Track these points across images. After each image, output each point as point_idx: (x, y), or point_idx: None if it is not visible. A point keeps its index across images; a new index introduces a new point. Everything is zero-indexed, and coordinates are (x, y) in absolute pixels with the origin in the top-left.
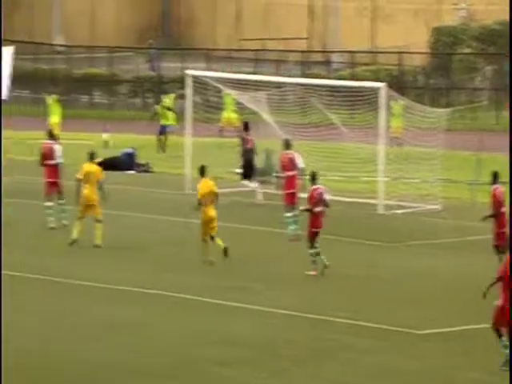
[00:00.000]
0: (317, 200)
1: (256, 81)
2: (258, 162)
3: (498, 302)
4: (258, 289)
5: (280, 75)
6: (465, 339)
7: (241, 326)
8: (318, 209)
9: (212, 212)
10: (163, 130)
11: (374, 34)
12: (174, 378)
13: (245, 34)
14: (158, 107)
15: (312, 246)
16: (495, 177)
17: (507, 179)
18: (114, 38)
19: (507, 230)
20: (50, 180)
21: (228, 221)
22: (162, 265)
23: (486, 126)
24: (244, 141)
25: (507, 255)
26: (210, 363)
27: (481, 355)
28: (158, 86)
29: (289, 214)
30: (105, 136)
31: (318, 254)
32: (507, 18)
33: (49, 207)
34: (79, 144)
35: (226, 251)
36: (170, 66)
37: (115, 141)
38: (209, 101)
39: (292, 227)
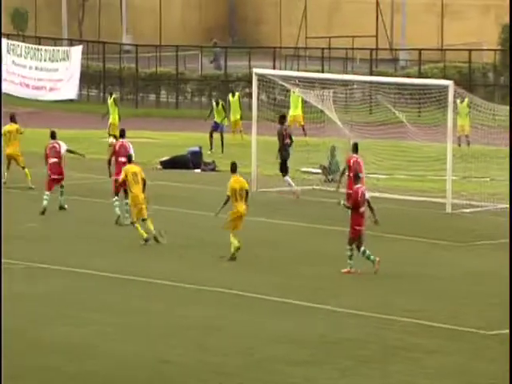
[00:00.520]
0: (361, 199)
1: (322, 79)
2: (323, 160)
3: None
4: (324, 288)
5: (347, 73)
6: None
7: (308, 326)
8: (362, 209)
9: (242, 208)
10: (216, 128)
11: (443, 31)
12: (243, 377)
13: (311, 31)
14: (214, 104)
15: (352, 246)
16: None
17: None
18: (180, 37)
19: None
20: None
21: (291, 219)
22: (233, 264)
23: None
24: (283, 136)
25: None
26: (279, 363)
27: None
28: (225, 84)
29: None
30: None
31: (368, 256)
32: None
33: (117, 204)
34: (145, 142)
35: (236, 251)
36: (236, 65)
37: (181, 139)
38: (275, 99)
39: None
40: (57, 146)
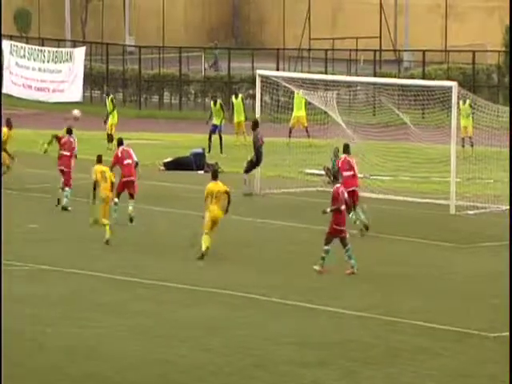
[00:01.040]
0: (341, 198)
1: (326, 80)
2: (327, 161)
3: None
4: (327, 289)
5: (350, 74)
6: None
7: (312, 327)
8: (342, 207)
9: (215, 210)
10: (214, 130)
11: (447, 33)
12: (251, 378)
13: (315, 33)
14: (212, 104)
15: (329, 244)
16: None
17: None
18: (183, 38)
19: None
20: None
21: (299, 221)
22: (238, 265)
23: None
24: (258, 140)
25: None
26: (284, 364)
27: None
28: (228, 86)
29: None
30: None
31: (348, 250)
32: None
33: (115, 203)
34: (149, 144)
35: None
36: (239, 66)
37: (184, 140)
38: (278, 101)
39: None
40: (72, 141)
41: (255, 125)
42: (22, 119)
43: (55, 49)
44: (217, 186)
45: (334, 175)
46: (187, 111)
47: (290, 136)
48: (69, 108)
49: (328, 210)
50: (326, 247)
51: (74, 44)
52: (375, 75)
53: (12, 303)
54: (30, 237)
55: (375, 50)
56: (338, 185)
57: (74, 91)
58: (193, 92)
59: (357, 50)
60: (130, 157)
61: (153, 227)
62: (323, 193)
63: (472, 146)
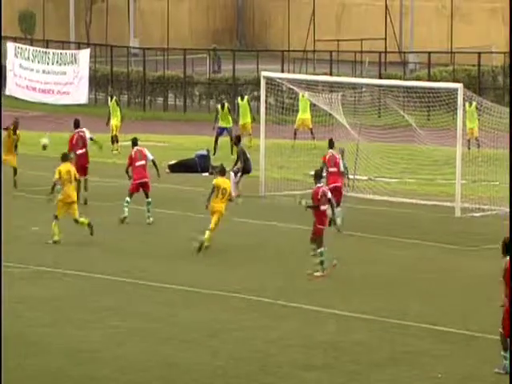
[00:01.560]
0: (322, 198)
1: (331, 82)
2: None
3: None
4: (337, 292)
5: (355, 76)
6: None
7: (317, 330)
8: (324, 207)
9: (219, 206)
10: (221, 132)
11: (452, 34)
12: (255, 381)
13: (320, 34)
14: (219, 107)
15: (318, 245)
16: None
17: None
18: (188, 40)
19: None
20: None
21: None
22: (242, 268)
23: None
24: (243, 154)
25: (505, 262)
26: (289, 367)
27: None
28: (233, 88)
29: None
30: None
31: (322, 253)
32: None
33: (127, 201)
34: (153, 146)
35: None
36: (244, 68)
37: (189, 142)
38: (283, 102)
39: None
40: (82, 134)
41: (238, 140)
42: (26, 121)
43: (59, 51)
44: (224, 183)
45: (317, 174)
46: (192, 113)
47: (294, 138)
48: (74, 110)
49: (303, 202)
50: (320, 249)
51: (79, 46)
52: (380, 77)
53: (14, 305)
54: (33, 239)
55: (380, 52)
56: (320, 184)
57: (79, 93)
58: (197, 94)
59: (362, 51)
60: (143, 157)
61: (156, 229)
62: None
63: (478, 147)
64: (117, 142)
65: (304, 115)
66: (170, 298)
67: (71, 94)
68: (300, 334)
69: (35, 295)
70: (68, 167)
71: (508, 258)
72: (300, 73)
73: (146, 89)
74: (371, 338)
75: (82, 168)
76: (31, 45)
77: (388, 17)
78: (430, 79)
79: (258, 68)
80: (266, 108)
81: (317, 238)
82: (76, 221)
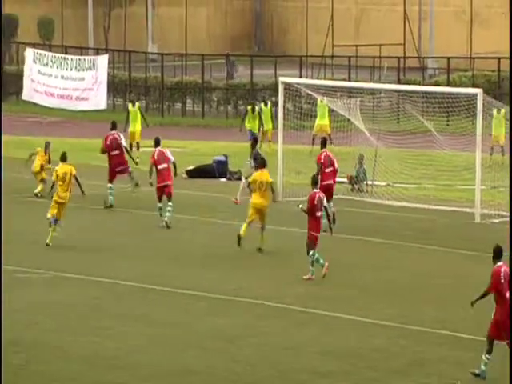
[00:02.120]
0: (318, 204)
1: (349, 87)
2: (350, 169)
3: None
4: (355, 298)
5: (374, 81)
6: None
7: (335, 336)
8: (318, 213)
9: (257, 200)
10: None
11: (472, 39)
12: None
13: (338, 40)
14: (249, 110)
15: (313, 250)
16: None
17: None
18: (206, 46)
19: None
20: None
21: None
22: (261, 274)
23: None
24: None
25: (495, 267)
26: (307, 373)
27: None
28: (251, 93)
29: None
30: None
31: (317, 259)
32: None
33: (159, 208)
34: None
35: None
36: (262, 74)
37: (207, 148)
38: (301, 108)
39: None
40: (118, 137)
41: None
42: (44, 127)
43: (78, 57)
44: (262, 176)
45: (314, 179)
46: (209, 119)
47: (313, 143)
48: (93, 116)
49: (300, 206)
50: (315, 255)
51: (97, 52)
52: (399, 82)
53: (31, 310)
54: (53, 244)
55: (399, 57)
56: (316, 190)
57: (98, 99)
58: (215, 99)
59: (380, 57)
60: (165, 160)
61: (176, 235)
62: (346, 201)
63: (503, 155)
64: (137, 148)
65: (322, 121)
66: (188, 304)
67: (90, 100)
68: (318, 340)
69: (52, 301)
70: (65, 168)
71: (499, 263)
72: (318, 78)
73: (164, 94)
74: (389, 344)
75: (121, 167)
76: (50, 51)
77: (407, 22)
78: (449, 84)
79: (275, 73)
80: (284, 114)
81: (312, 245)
82: (56, 221)
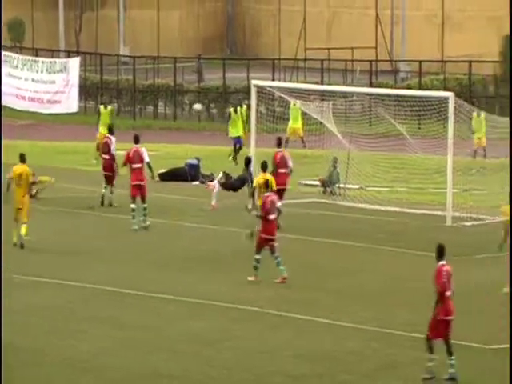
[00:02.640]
0: (270, 207)
1: (322, 90)
2: (323, 172)
3: (435, 314)
4: (328, 301)
5: (346, 85)
6: None
7: (309, 339)
8: (271, 216)
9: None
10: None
11: (443, 43)
12: None
13: (310, 43)
14: (232, 112)
15: (258, 252)
16: None
17: None
18: (178, 49)
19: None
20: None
21: (293, 232)
22: (235, 278)
23: None
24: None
25: (437, 266)
26: (280, 376)
27: None
28: (223, 96)
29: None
30: None
31: (277, 258)
32: None
33: (132, 209)
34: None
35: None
36: (234, 77)
37: (179, 151)
38: (274, 111)
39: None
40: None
41: (248, 162)
42: (15, 130)
43: (49, 59)
44: (263, 179)
45: (266, 184)
46: (182, 121)
47: (286, 146)
48: (64, 119)
49: (253, 211)
50: (257, 256)
51: (69, 54)
52: (371, 85)
53: (6, 315)
54: (25, 248)
55: (371, 61)
56: (269, 193)
57: (69, 102)
58: (187, 102)
59: (353, 60)
60: (140, 160)
61: (147, 238)
62: (319, 204)
63: (485, 156)
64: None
65: (295, 124)
66: (162, 308)
67: (62, 103)
68: (292, 343)
69: (28, 304)
70: (21, 169)
71: (441, 262)
72: (291, 81)
73: (136, 97)
74: (362, 347)
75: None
76: (20, 53)
77: (379, 25)
78: (420, 88)
79: (248, 76)
80: (257, 117)
81: (261, 247)
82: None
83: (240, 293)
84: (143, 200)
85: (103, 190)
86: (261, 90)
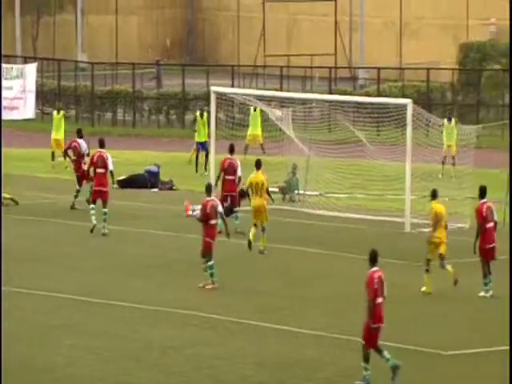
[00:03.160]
0: (211, 212)
1: (281, 97)
2: (282, 178)
3: (367, 321)
4: (287, 308)
5: (306, 91)
6: (493, 361)
7: (268, 347)
8: (213, 221)
9: (256, 201)
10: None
11: (401, 50)
12: None
13: (270, 50)
14: (198, 116)
15: (209, 259)
16: (482, 192)
17: None
18: (137, 55)
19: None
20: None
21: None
22: (194, 284)
23: None
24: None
25: (369, 272)
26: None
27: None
28: (182, 103)
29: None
30: None
31: (211, 266)
32: None
33: (93, 213)
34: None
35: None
36: (194, 83)
37: (138, 158)
38: (233, 117)
39: (237, 221)
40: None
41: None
42: None
43: (5, 65)
44: (257, 177)
45: (208, 187)
46: (141, 128)
47: (245, 153)
48: (21, 125)
49: (194, 213)
50: (209, 263)
51: (25, 60)
52: (330, 92)
53: None
54: None
55: (330, 67)
56: (209, 198)
57: (26, 108)
58: (147, 109)
59: (312, 67)
60: (103, 166)
61: (106, 245)
62: (278, 211)
63: (454, 165)
64: (64, 158)
65: (255, 131)
66: (121, 316)
67: (19, 110)
68: (251, 350)
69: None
70: None
71: (373, 268)
72: (250, 88)
73: (95, 103)
74: (321, 354)
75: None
76: None
77: (338, 32)
78: (379, 95)
79: (207, 83)
80: (217, 123)
81: (206, 252)
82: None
83: (199, 299)
84: (104, 205)
85: (77, 187)
86: (220, 97)
